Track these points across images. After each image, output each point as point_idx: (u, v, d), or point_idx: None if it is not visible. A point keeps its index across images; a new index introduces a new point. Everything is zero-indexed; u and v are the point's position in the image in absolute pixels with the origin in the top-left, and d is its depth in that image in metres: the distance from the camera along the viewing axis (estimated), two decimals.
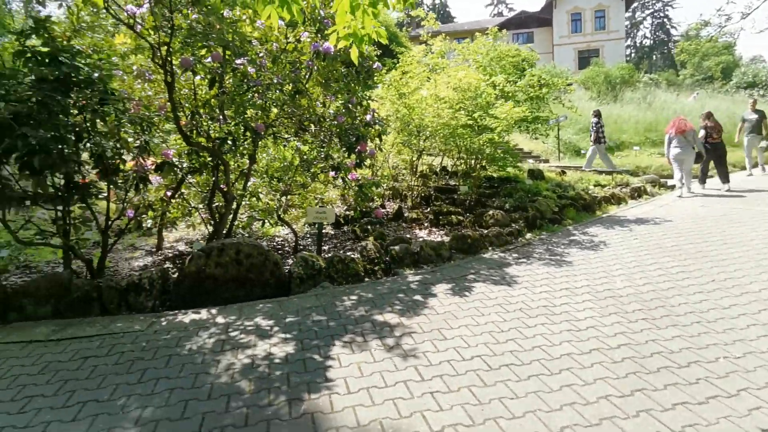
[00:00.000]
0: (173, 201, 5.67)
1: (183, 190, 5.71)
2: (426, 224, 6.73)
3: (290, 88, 5.17)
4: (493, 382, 2.46)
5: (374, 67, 5.69)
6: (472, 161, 8.15)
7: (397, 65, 7.60)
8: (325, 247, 5.71)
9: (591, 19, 33.64)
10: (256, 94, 5.05)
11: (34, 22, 3.92)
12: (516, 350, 2.82)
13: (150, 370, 2.69)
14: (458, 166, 8.66)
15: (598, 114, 11.45)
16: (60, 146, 3.90)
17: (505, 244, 5.58)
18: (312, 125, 5.94)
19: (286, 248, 5.98)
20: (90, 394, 2.45)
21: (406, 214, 7.08)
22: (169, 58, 4.49)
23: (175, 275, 4.27)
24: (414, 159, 7.94)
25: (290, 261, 5.12)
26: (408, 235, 5.98)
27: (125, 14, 4.43)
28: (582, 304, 3.53)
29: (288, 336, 3.14)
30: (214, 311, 3.69)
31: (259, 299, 3.99)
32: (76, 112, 4.14)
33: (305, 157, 6.03)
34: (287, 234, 6.64)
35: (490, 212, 6.37)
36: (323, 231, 5.97)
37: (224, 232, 5.36)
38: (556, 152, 14.25)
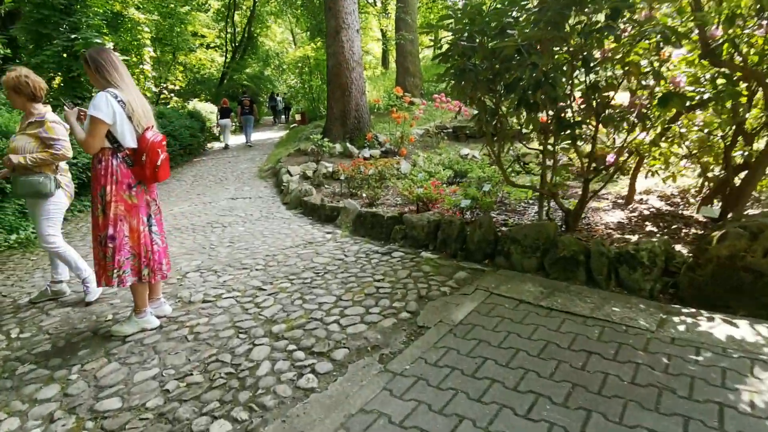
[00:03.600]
0: (661, 144, 4.42)
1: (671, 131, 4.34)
2: None
3: None
4: None
5: None
6: None
7: None
8: None
9: None
10: None
11: None
12: None
13: (694, 422, 1.73)
14: None
15: None
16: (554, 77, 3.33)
17: None
18: None
19: None
20: (597, 403, 1.74)
21: None
22: None
23: (686, 253, 3.11)
24: None
25: None
26: None
27: None
28: None
29: None
30: (764, 328, 2.35)
31: None
32: (575, 35, 3.44)
33: None
34: None
35: None
36: None
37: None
38: None
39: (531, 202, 5.26)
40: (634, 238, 3.75)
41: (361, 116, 9.71)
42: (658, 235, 3.80)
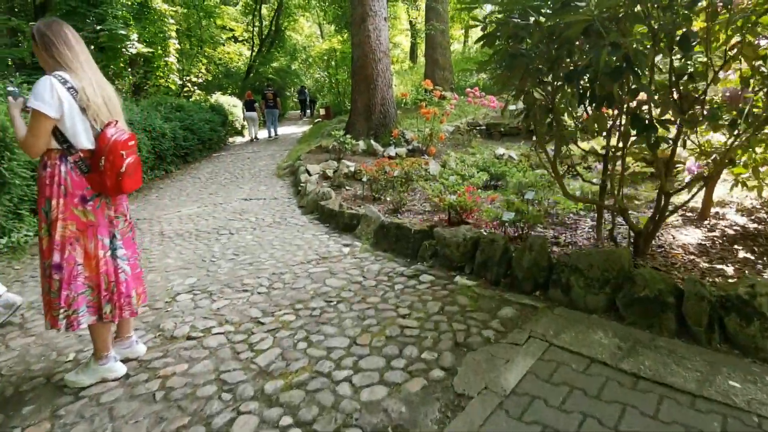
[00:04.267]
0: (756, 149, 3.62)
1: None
2: None
3: None
4: None
5: None
6: None
7: None
8: None
9: None
10: None
11: None
12: None
13: None
14: None
15: None
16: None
17: None
18: None
19: None
20: None
21: None
22: None
23: None
24: None
25: None
26: None
27: None
28: None
29: None
30: None
31: None
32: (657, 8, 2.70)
33: None
34: None
35: None
36: None
37: None
38: None
39: (582, 213, 4.49)
40: (730, 269, 2.97)
41: (387, 111, 9.03)
42: (759, 265, 3.00)
